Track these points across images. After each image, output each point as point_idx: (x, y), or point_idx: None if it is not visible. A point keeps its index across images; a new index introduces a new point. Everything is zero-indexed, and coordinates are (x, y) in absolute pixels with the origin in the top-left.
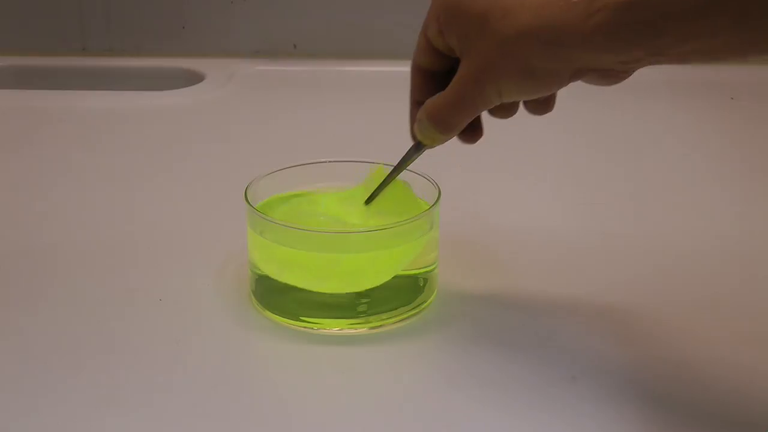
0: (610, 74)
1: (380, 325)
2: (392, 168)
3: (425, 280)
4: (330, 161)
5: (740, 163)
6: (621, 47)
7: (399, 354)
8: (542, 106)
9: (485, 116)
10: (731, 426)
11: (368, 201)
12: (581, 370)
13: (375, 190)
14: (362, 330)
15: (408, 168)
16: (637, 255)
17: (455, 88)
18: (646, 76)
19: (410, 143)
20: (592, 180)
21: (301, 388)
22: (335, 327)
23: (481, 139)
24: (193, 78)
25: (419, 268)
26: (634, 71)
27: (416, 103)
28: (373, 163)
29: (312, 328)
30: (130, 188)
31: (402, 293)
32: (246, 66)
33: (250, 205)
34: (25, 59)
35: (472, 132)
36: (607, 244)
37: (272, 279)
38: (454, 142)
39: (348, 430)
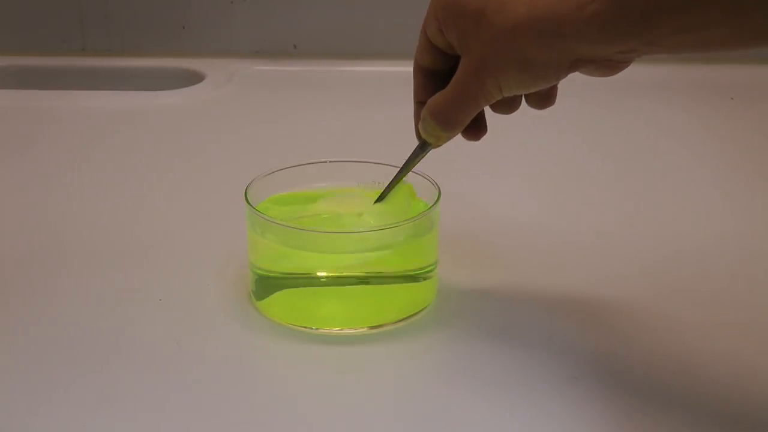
0: (608, 65)
1: (380, 325)
2: (399, 168)
3: (425, 280)
4: (330, 161)
5: (740, 163)
6: (615, 37)
7: (399, 354)
8: (544, 99)
9: (490, 115)
10: (732, 424)
11: (378, 200)
12: (581, 370)
13: (384, 190)
14: (362, 330)
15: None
16: (638, 254)
17: (456, 84)
18: (646, 75)
19: (411, 142)
20: (592, 179)
21: (301, 388)
22: (335, 327)
23: (482, 139)
24: (193, 78)
25: (419, 268)
26: (632, 61)
27: (420, 103)
28: (374, 163)
29: (312, 328)
30: (130, 188)
31: (402, 293)
32: (246, 66)
33: (250, 205)
34: (25, 59)
35: (476, 129)
36: (607, 244)
37: (272, 279)
38: (455, 141)
39: (348, 430)
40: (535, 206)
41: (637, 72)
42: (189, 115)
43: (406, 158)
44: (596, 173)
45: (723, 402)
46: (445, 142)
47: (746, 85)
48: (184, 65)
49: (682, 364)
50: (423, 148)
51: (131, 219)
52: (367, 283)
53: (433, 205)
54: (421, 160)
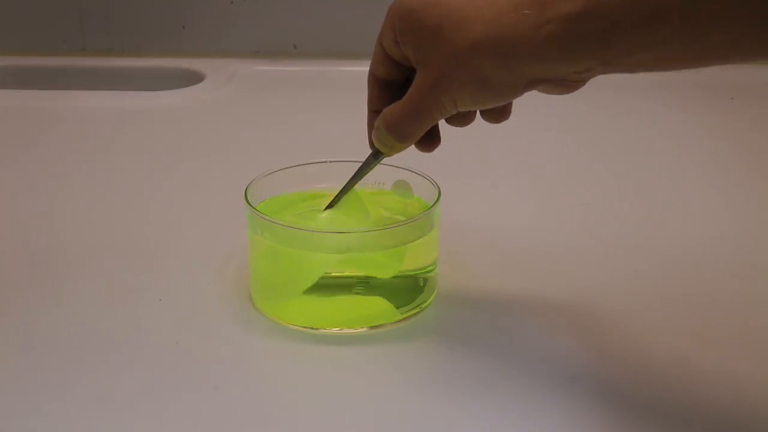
0: (565, 83)
1: (380, 325)
2: (351, 176)
3: (425, 280)
4: (330, 161)
5: (740, 164)
6: (572, 58)
7: (399, 354)
8: (498, 114)
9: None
10: (732, 425)
11: (328, 207)
12: (581, 370)
13: (335, 197)
14: (362, 330)
15: (408, 169)
16: (638, 255)
17: (411, 98)
18: (646, 76)
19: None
20: (591, 181)
21: (301, 388)
22: (335, 327)
23: (482, 140)
24: (193, 78)
25: (419, 268)
26: (588, 80)
27: (374, 112)
28: None
29: (312, 328)
30: (130, 188)
31: (402, 293)
32: (246, 66)
33: (250, 206)
34: (25, 59)
35: (429, 140)
36: (607, 245)
37: (272, 279)
38: (455, 141)
39: (347, 430)
40: (534, 207)
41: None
42: (189, 115)
43: (358, 167)
44: (596, 174)
45: (721, 403)
46: (398, 152)
47: (746, 85)
48: (184, 65)
49: (681, 365)
50: (376, 156)
51: (131, 219)
52: (367, 283)
53: (433, 205)
54: (376, 167)
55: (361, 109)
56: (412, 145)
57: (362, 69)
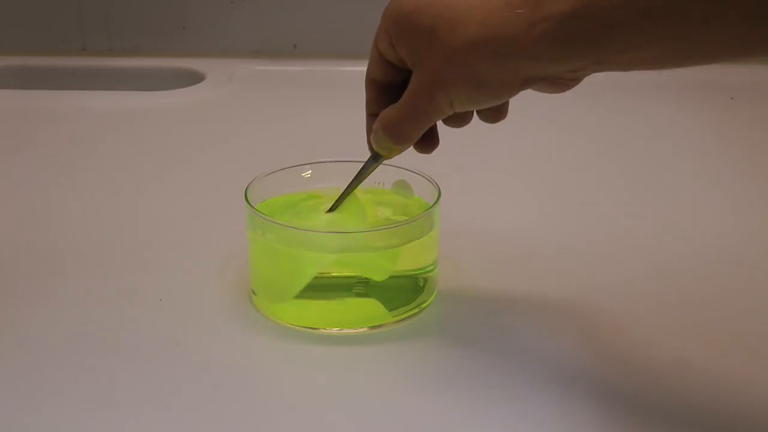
0: (560, 82)
1: (380, 325)
2: (351, 180)
3: (425, 280)
4: (330, 161)
5: (740, 164)
6: (565, 56)
7: (399, 354)
8: (495, 114)
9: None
10: (732, 426)
11: (330, 210)
12: (582, 370)
13: (336, 201)
14: (362, 330)
15: (408, 169)
16: (638, 256)
17: (408, 99)
18: (646, 76)
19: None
20: (591, 181)
21: (301, 388)
22: (335, 327)
23: (482, 140)
24: (193, 78)
25: (419, 268)
26: (582, 78)
27: (372, 115)
28: None
29: (312, 328)
30: (130, 188)
31: (402, 293)
32: (246, 66)
33: (250, 206)
34: (25, 59)
35: (428, 141)
36: (607, 245)
37: (272, 279)
38: (455, 141)
39: (348, 430)
40: (535, 206)
41: (637, 72)
42: (189, 115)
43: (358, 170)
44: (596, 173)
45: (721, 403)
46: (397, 154)
47: (746, 85)
48: (184, 65)
49: (681, 365)
50: (375, 159)
51: (131, 219)
52: (367, 283)
53: (433, 205)
54: (375, 171)
55: (362, 109)
56: (411, 147)
57: (362, 69)
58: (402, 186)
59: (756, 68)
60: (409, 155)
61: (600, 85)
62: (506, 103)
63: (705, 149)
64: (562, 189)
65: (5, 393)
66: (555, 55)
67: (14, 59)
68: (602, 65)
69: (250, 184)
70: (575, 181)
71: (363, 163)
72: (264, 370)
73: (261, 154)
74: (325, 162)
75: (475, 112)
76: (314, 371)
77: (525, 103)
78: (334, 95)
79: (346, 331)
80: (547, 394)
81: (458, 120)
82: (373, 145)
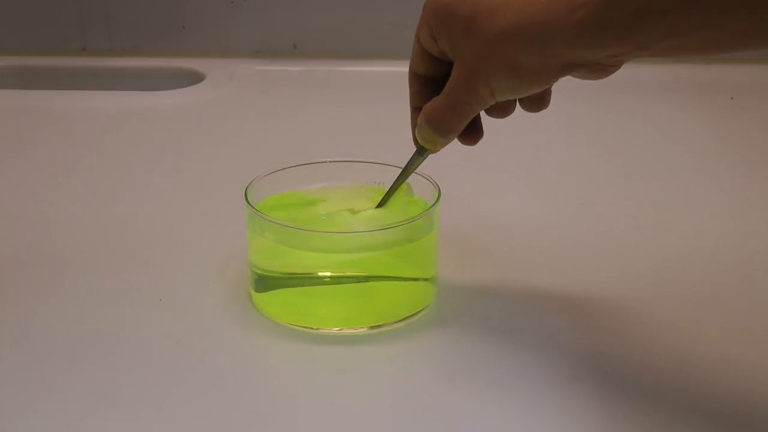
0: (599, 68)
1: (380, 325)
2: (398, 174)
3: (425, 280)
4: (330, 161)
5: (740, 163)
6: (604, 42)
7: (399, 354)
8: (537, 102)
9: (486, 118)
10: (732, 424)
11: (379, 205)
12: (582, 370)
13: (385, 195)
14: (362, 330)
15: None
16: (638, 253)
17: (450, 91)
18: (646, 76)
19: (408, 143)
20: (591, 179)
21: (301, 388)
22: (335, 327)
23: (484, 139)
24: (193, 78)
25: (419, 268)
26: (622, 64)
27: (416, 109)
28: (374, 163)
29: (312, 328)
30: (130, 188)
31: (402, 293)
32: (246, 66)
33: (250, 206)
34: (25, 59)
35: (472, 133)
36: (607, 244)
37: (272, 278)
38: (453, 143)
39: (347, 430)
40: (535, 206)
41: (637, 72)
42: (189, 115)
43: (405, 164)
44: (596, 173)
45: (722, 402)
46: (442, 147)
47: (746, 85)
48: (184, 65)
49: (682, 364)
50: (421, 153)
51: (131, 219)
52: (367, 283)
53: (433, 205)
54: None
55: (362, 109)
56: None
57: (362, 69)
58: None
59: (756, 68)
60: (408, 155)
61: (600, 85)
62: (548, 92)
63: (705, 149)
64: (563, 189)
65: (5, 392)
66: (594, 41)
67: (14, 59)
68: (642, 51)
69: (250, 184)
70: (576, 180)
71: (408, 159)
72: (264, 370)
73: (261, 154)
74: (325, 162)
75: (517, 102)
76: (314, 371)
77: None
78: (334, 95)
79: (346, 331)
80: (548, 394)
81: (501, 110)
82: (418, 139)
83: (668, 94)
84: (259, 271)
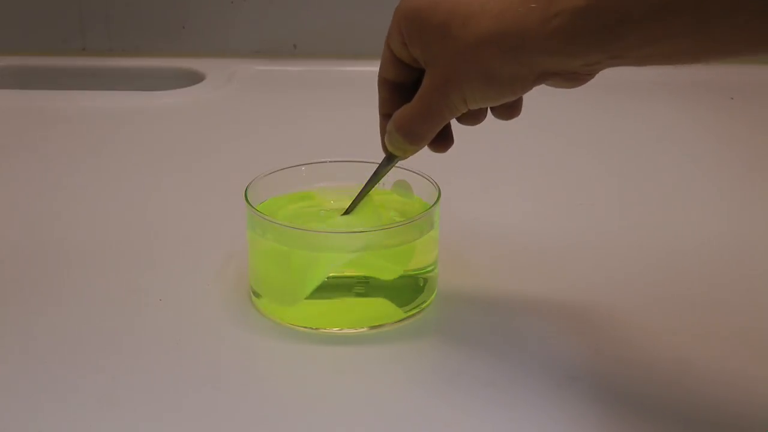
0: (574, 77)
1: (380, 325)
2: (366, 181)
3: (425, 280)
4: (330, 161)
5: (740, 164)
6: (579, 51)
7: (399, 354)
8: (509, 110)
9: (484, 122)
10: (732, 425)
11: (346, 213)
12: (581, 370)
13: (352, 202)
14: (362, 330)
15: (408, 169)
16: (638, 255)
17: (421, 98)
18: (646, 76)
19: None
20: (591, 181)
21: (302, 388)
22: (335, 327)
23: (482, 140)
24: (193, 78)
25: (419, 268)
26: (597, 73)
27: (385, 116)
28: (373, 163)
29: (312, 328)
30: (130, 188)
31: (402, 293)
32: (246, 66)
33: (251, 206)
34: (25, 59)
35: (442, 141)
36: (607, 245)
37: (272, 279)
38: (455, 142)
39: (347, 430)
40: (534, 206)
41: (636, 72)
42: (189, 115)
43: (373, 171)
44: (595, 174)
45: (721, 403)
46: (411, 154)
47: (746, 85)
48: (184, 65)
49: (680, 365)
50: (390, 160)
51: (131, 219)
52: (367, 283)
53: (433, 205)
54: (389, 172)
55: (362, 109)
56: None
57: (362, 69)
58: (402, 186)
59: (756, 68)
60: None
61: (599, 86)
62: (520, 100)
63: (705, 149)
64: (562, 189)
65: (7, 392)
66: (569, 50)
67: (14, 59)
68: (617, 60)
69: (250, 184)
70: (575, 181)
71: (377, 165)
72: (264, 370)
73: (261, 154)
74: (325, 162)
75: (488, 110)
76: (314, 371)
77: (525, 103)
78: (334, 95)
79: (346, 331)
80: (547, 395)
81: (472, 118)
82: (388, 146)
83: (667, 95)
84: (259, 272)
